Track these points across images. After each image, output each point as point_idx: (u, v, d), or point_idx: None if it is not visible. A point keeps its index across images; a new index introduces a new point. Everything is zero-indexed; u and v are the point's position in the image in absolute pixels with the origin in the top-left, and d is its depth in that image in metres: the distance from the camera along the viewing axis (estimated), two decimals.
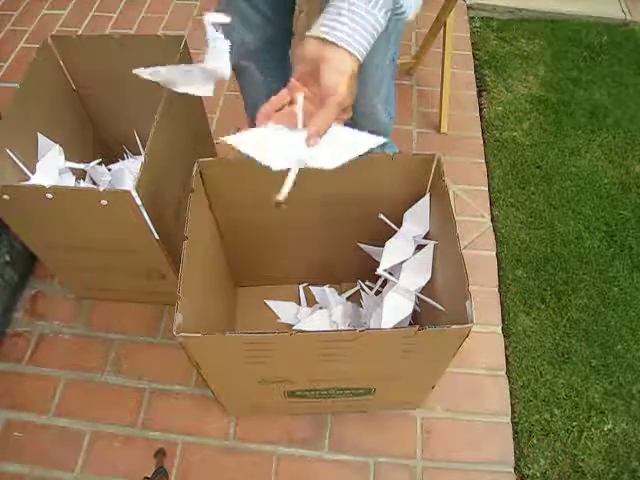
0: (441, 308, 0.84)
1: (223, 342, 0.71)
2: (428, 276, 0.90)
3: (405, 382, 0.92)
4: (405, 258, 0.94)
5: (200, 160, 0.85)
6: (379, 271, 0.93)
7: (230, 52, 0.64)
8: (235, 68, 1.02)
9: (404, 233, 0.94)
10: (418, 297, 0.93)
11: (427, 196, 0.91)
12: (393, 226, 0.95)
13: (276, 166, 0.61)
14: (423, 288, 0.92)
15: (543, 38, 1.78)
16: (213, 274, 0.99)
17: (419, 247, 0.94)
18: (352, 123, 0.69)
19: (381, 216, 0.96)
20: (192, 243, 0.78)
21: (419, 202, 0.92)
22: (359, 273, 1.13)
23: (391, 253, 0.94)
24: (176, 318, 0.68)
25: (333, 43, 0.56)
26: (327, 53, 0.57)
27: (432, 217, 0.92)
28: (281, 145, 0.62)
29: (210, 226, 0.96)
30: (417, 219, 0.93)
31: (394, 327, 0.90)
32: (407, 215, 0.94)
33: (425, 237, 0.94)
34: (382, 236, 0.96)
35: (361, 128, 0.71)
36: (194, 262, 0.79)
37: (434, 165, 0.87)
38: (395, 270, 0.95)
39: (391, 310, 0.91)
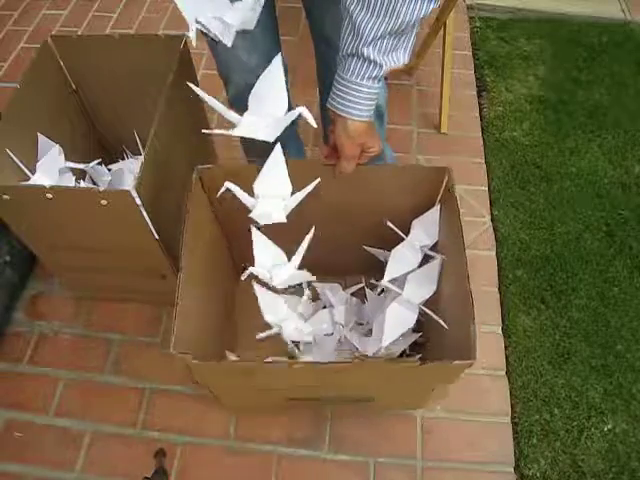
0: (445, 326, 0.83)
1: (220, 367, 0.72)
2: (433, 289, 0.89)
3: (404, 391, 0.92)
4: (411, 268, 0.93)
5: (199, 167, 0.85)
6: (384, 282, 0.92)
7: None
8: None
9: (411, 241, 0.93)
10: (421, 310, 0.92)
11: (437, 207, 0.90)
12: (400, 233, 0.94)
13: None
14: (427, 300, 0.91)
15: (543, 38, 1.78)
16: (213, 278, 0.98)
17: (426, 257, 0.93)
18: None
19: (388, 223, 0.94)
20: (190, 251, 0.78)
21: (429, 212, 0.91)
22: (364, 267, 1.11)
23: (397, 262, 0.92)
24: (173, 338, 0.69)
25: (335, 113, 0.74)
26: (335, 120, 0.75)
27: (440, 230, 0.91)
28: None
29: (212, 226, 0.95)
30: (425, 229, 0.92)
31: (397, 339, 0.90)
32: (415, 223, 0.93)
33: (432, 247, 0.93)
34: (389, 242, 0.95)
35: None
36: (192, 265, 0.79)
37: (446, 178, 0.86)
38: (400, 279, 0.94)
39: (393, 322, 0.90)
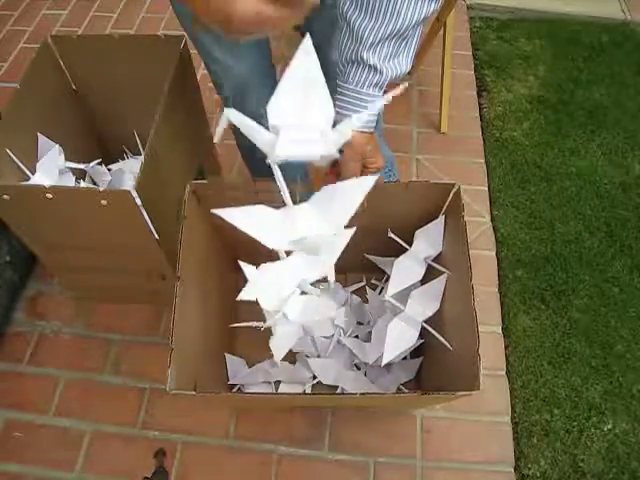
0: (449, 347, 0.82)
1: (218, 398, 0.72)
2: (437, 307, 0.89)
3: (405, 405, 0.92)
4: (415, 281, 0.92)
5: (192, 182, 0.85)
6: (387, 297, 0.91)
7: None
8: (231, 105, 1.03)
9: (415, 253, 0.92)
10: (424, 327, 0.91)
11: (442, 218, 0.89)
12: (403, 244, 0.93)
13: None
14: (430, 318, 0.90)
15: (543, 38, 1.78)
16: (210, 283, 0.98)
17: (429, 267, 0.92)
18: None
19: (390, 234, 0.94)
20: (187, 248, 0.78)
21: (433, 223, 0.90)
22: (365, 266, 1.11)
23: (400, 274, 0.91)
24: (169, 375, 0.68)
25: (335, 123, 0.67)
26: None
27: (445, 242, 0.90)
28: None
29: (208, 237, 0.94)
30: (429, 239, 0.91)
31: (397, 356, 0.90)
32: (418, 234, 0.92)
33: (436, 259, 0.92)
34: (392, 247, 0.94)
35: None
36: (190, 276, 0.79)
37: (452, 192, 0.85)
38: (403, 295, 0.93)
39: (395, 339, 0.89)
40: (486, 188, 1.41)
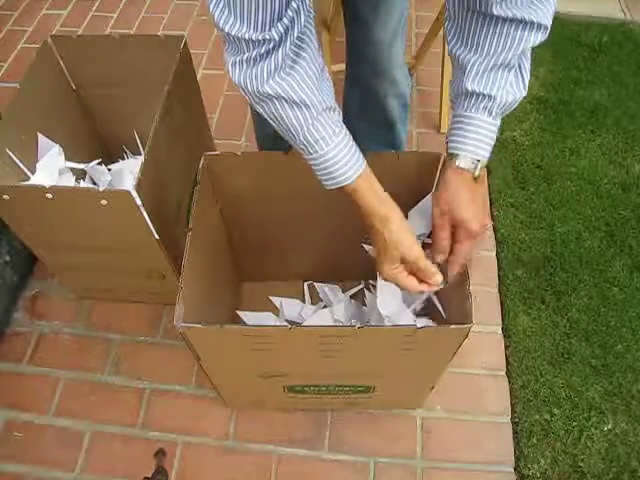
0: (440, 308, 0.84)
1: (223, 334, 0.71)
2: None
3: (404, 381, 0.92)
4: None
5: (206, 154, 0.85)
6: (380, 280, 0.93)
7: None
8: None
9: None
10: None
11: (430, 194, 0.90)
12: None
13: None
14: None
15: None
16: (216, 267, 0.99)
17: (424, 246, 0.93)
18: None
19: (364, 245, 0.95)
20: (196, 236, 0.78)
21: (423, 200, 0.91)
22: (364, 271, 1.12)
23: None
24: (177, 308, 0.68)
25: (454, 159, 0.66)
26: (453, 172, 0.67)
27: None
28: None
29: (215, 219, 0.95)
30: (421, 218, 0.92)
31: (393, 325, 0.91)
32: (412, 214, 0.92)
33: (429, 236, 0.93)
34: None
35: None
36: (197, 255, 0.78)
37: (440, 164, 0.86)
38: None
39: (388, 299, 0.91)
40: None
